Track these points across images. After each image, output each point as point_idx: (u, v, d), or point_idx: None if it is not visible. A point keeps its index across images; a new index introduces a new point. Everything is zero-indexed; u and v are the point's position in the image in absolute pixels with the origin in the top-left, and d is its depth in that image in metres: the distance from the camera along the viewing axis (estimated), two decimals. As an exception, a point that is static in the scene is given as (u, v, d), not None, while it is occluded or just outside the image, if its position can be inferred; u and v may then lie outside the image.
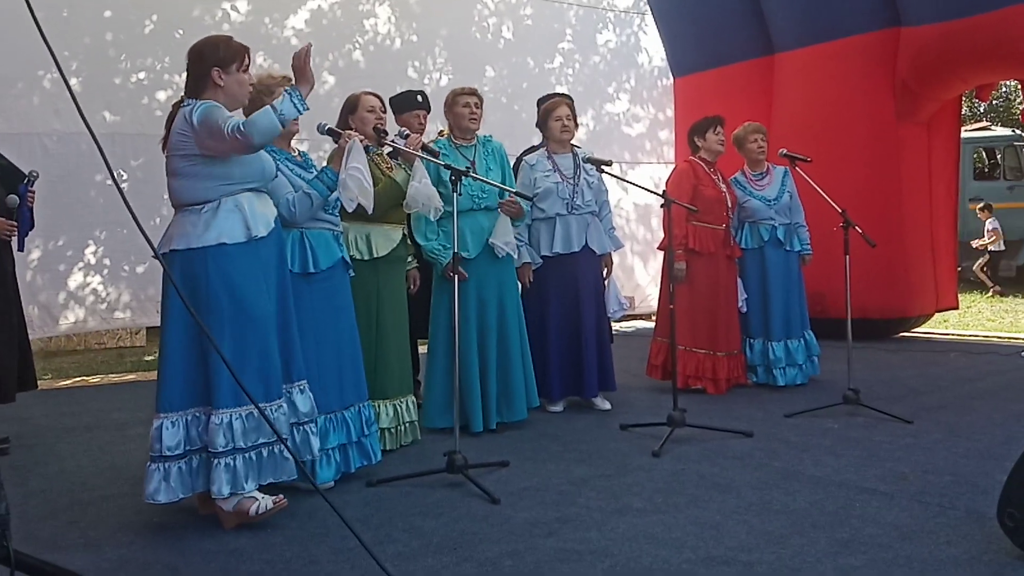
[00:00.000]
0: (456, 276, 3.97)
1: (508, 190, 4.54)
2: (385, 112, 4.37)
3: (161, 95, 7.33)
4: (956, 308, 9.11)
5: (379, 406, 4.25)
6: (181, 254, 3.18)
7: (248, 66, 3.34)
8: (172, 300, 3.19)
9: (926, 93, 7.89)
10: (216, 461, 3.14)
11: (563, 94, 6.06)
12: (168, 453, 3.14)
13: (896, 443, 4.32)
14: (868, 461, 4.00)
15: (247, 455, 3.18)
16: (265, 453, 3.23)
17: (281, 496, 3.28)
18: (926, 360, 7.06)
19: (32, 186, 4.59)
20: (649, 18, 9.93)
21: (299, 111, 3.19)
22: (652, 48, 10.07)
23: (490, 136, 4.97)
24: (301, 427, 3.46)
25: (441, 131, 5.12)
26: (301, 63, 3.23)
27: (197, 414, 3.20)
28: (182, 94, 3.35)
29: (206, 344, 3.14)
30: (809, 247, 6.06)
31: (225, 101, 3.27)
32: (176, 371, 3.19)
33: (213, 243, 3.17)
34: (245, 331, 3.21)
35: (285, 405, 3.33)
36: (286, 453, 3.25)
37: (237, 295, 3.19)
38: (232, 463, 3.15)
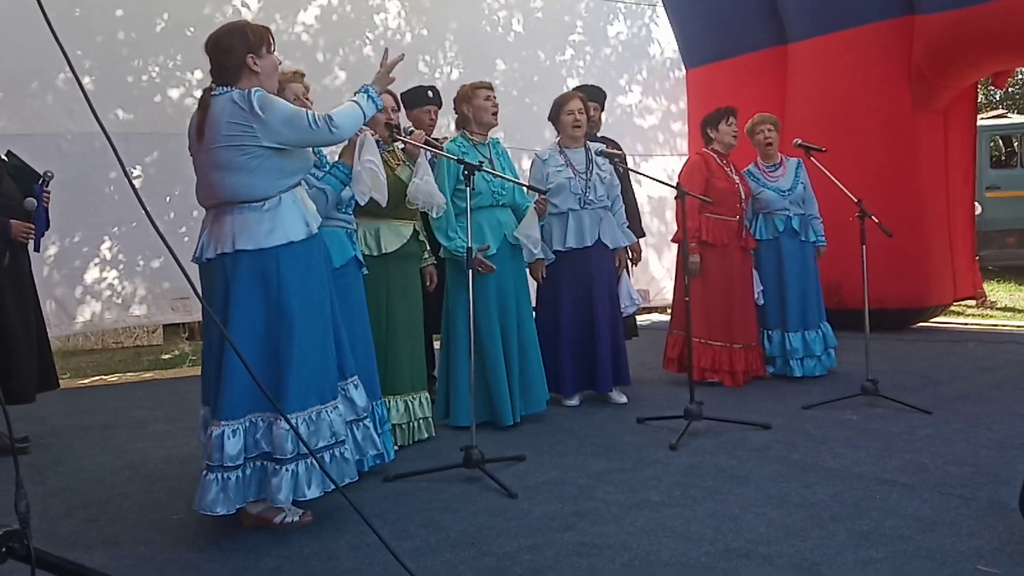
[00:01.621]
0: (480, 269, 3.93)
1: (523, 184, 4.54)
2: (398, 110, 4.35)
3: (173, 93, 7.36)
4: (974, 297, 9.05)
5: (389, 402, 4.24)
6: (250, 254, 3.05)
7: (273, 46, 3.24)
8: (233, 303, 3.06)
9: (941, 81, 7.83)
10: (281, 468, 3.05)
11: (595, 86, 6.04)
12: (229, 463, 3.02)
13: (915, 434, 4.28)
14: (887, 452, 3.97)
15: (309, 460, 3.09)
16: (327, 458, 3.14)
17: (308, 512, 3.25)
18: (945, 350, 7.01)
19: (47, 186, 4.59)
20: (660, 9, 9.89)
21: (378, 108, 3.34)
22: (664, 39, 10.04)
23: (498, 139, 4.96)
24: (360, 423, 3.43)
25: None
26: (389, 67, 3.44)
27: (254, 420, 3.09)
28: (205, 86, 3.21)
29: (278, 348, 3.06)
30: (824, 239, 6.03)
31: (263, 86, 3.15)
32: (238, 376, 3.02)
33: (283, 242, 3.08)
34: (312, 330, 3.14)
35: (341, 405, 3.27)
36: (347, 455, 3.22)
37: (305, 294, 3.12)
38: (295, 469, 3.07)
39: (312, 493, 3.11)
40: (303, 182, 3.53)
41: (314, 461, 3.09)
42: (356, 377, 3.46)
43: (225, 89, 3.11)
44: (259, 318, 3.08)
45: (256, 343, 3.06)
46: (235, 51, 3.12)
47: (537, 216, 4.77)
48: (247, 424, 3.08)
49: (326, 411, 3.18)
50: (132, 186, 2.00)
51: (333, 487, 3.16)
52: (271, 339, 3.08)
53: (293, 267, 3.10)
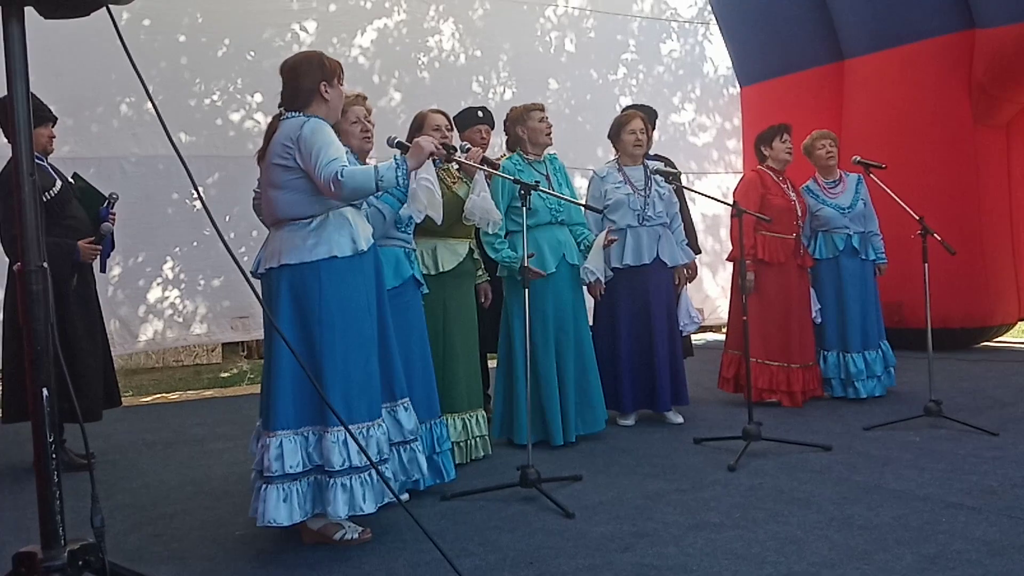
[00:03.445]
0: (530, 278, 3.93)
1: (579, 203, 4.55)
2: (452, 130, 4.40)
3: (235, 116, 7.52)
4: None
5: (447, 420, 4.25)
6: (292, 268, 3.13)
7: (342, 79, 3.37)
8: (280, 317, 3.13)
9: (1003, 96, 7.69)
10: (332, 481, 3.08)
11: (646, 106, 6.04)
12: (291, 471, 3.07)
13: (981, 456, 4.19)
14: (953, 475, 3.89)
15: (363, 475, 3.12)
16: (375, 475, 3.15)
17: (368, 529, 3.28)
18: (1010, 370, 6.84)
19: (112, 208, 4.71)
20: (714, 27, 9.87)
21: (398, 183, 3.17)
22: (717, 57, 10.01)
23: (555, 154, 4.99)
24: (408, 445, 3.44)
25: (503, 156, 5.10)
26: (430, 148, 3.31)
27: (305, 433, 3.14)
28: (264, 109, 3.36)
29: (317, 361, 3.11)
30: (884, 256, 5.93)
31: (328, 115, 3.28)
32: (288, 388, 3.11)
33: (325, 256, 3.12)
34: (354, 346, 3.17)
35: (386, 424, 3.30)
36: (387, 474, 3.23)
37: (348, 310, 3.16)
38: (349, 483, 3.09)
39: (368, 508, 3.13)
40: (363, 202, 3.58)
41: (368, 476, 3.12)
42: (407, 400, 3.48)
43: (294, 114, 3.24)
44: (300, 331, 3.14)
45: (300, 356, 3.11)
46: (311, 76, 3.26)
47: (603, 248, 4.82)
48: (303, 436, 3.13)
49: (373, 428, 3.20)
50: (204, 204, 2.05)
51: (386, 502, 3.20)
52: (311, 352, 3.13)
53: (335, 281, 3.15)
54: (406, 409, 3.46)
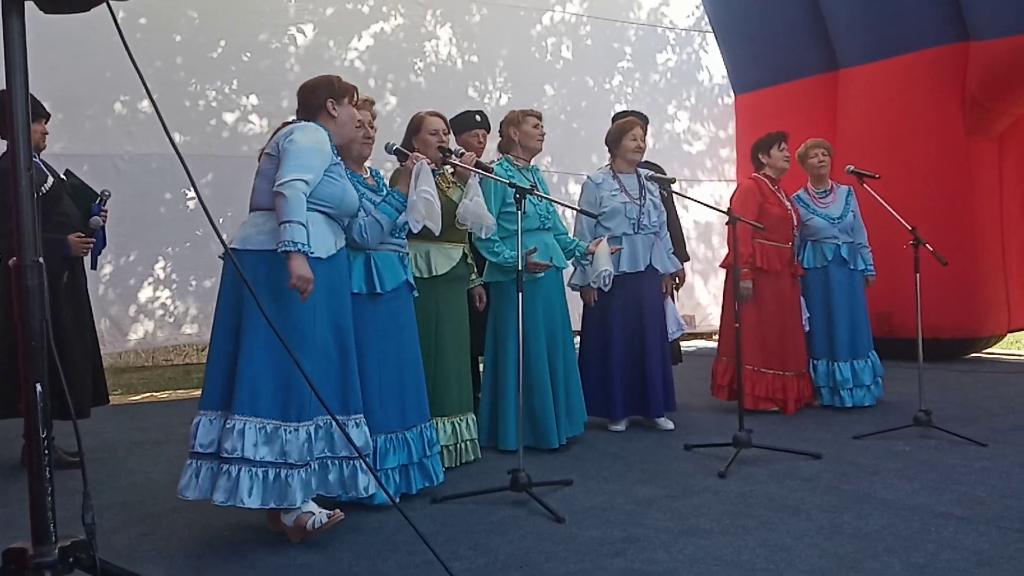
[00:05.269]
0: (537, 270, 3.97)
1: (575, 208, 4.56)
2: (448, 133, 4.41)
3: (229, 117, 7.51)
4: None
5: (437, 423, 4.25)
6: (237, 254, 3.19)
7: (357, 102, 3.53)
8: (222, 300, 3.26)
9: (997, 108, 7.73)
10: (222, 466, 3.13)
11: (638, 112, 6.07)
12: (200, 450, 3.15)
13: (970, 466, 4.20)
14: (942, 484, 3.90)
15: (253, 470, 3.12)
16: (271, 475, 3.15)
17: (337, 510, 3.28)
18: (999, 381, 6.87)
19: (104, 205, 4.68)
20: (710, 36, 9.91)
21: (278, 247, 3.09)
22: (713, 66, 10.06)
23: (536, 167, 5.03)
24: (351, 461, 3.39)
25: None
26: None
27: (215, 417, 3.23)
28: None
29: (241, 346, 3.17)
30: (872, 268, 5.95)
31: (336, 131, 3.45)
32: (218, 370, 3.22)
33: (270, 247, 3.15)
34: (276, 343, 3.10)
35: (306, 432, 3.23)
36: (292, 481, 3.17)
37: (281, 304, 3.15)
38: (235, 473, 3.11)
39: (250, 503, 3.11)
40: (362, 210, 3.60)
41: (261, 472, 3.12)
42: (360, 416, 3.44)
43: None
44: (233, 315, 3.22)
45: (230, 340, 3.21)
46: (319, 93, 3.45)
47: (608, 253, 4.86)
48: (221, 418, 3.20)
49: (283, 429, 3.17)
50: (201, 200, 2.05)
51: (377, 505, 3.25)
52: (236, 336, 3.20)
53: (268, 275, 3.16)
54: (357, 425, 3.42)
